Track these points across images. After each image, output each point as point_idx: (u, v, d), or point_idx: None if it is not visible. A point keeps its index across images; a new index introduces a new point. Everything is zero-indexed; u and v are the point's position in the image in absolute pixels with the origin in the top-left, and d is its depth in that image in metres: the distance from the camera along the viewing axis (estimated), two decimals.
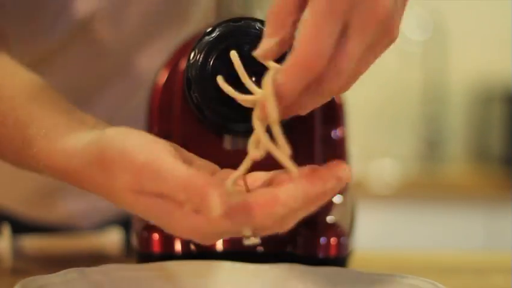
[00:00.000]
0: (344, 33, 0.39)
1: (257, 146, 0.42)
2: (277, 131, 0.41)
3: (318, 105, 0.43)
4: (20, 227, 0.75)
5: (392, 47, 0.44)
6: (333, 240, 0.51)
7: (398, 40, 0.43)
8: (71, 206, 0.79)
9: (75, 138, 0.44)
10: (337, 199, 0.55)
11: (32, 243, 0.67)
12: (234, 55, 0.43)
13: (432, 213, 2.01)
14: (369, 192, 1.96)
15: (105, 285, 0.47)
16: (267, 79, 0.40)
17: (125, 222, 0.76)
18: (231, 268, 0.49)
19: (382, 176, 2.03)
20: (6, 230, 0.67)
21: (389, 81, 2.31)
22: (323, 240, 0.51)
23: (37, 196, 0.77)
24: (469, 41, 2.31)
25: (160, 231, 0.51)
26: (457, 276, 0.67)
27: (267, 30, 0.40)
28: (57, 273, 0.46)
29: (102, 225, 0.80)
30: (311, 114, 0.54)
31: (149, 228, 0.52)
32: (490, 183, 2.01)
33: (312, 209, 0.40)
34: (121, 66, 0.72)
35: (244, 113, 0.45)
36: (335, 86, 0.41)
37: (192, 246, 0.52)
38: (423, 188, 2.01)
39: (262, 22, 0.46)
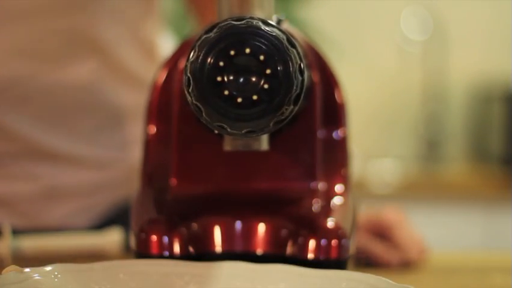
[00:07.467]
0: None
1: None
2: None
3: None
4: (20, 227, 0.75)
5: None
6: (334, 242, 0.51)
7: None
8: (59, 208, 0.79)
9: None
10: (338, 200, 0.55)
11: (32, 243, 0.67)
12: None
13: (432, 213, 2.01)
14: (369, 192, 1.96)
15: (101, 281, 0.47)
16: None
17: (125, 223, 0.76)
18: (229, 268, 0.49)
19: (382, 176, 2.03)
20: (6, 230, 0.67)
21: (389, 81, 2.31)
22: (323, 242, 0.51)
23: (28, 201, 0.77)
24: (469, 41, 2.31)
25: (159, 233, 0.51)
26: (456, 276, 0.67)
27: None
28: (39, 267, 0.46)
29: (92, 226, 0.80)
30: (312, 115, 0.54)
31: (147, 229, 0.52)
32: (489, 183, 2.01)
33: None
34: None
35: (243, 113, 0.45)
36: None
37: (191, 248, 0.52)
38: (423, 188, 2.01)
39: (262, 21, 0.46)
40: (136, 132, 0.78)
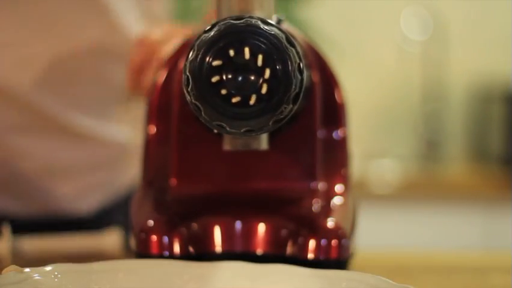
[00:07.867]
0: None
1: None
2: None
3: None
4: (20, 227, 0.75)
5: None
6: (334, 242, 0.51)
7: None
8: (59, 190, 0.78)
9: None
10: (338, 200, 0.55)
11: (32, 243, 0.67)
12: None
13: (432, 213, 2.01)
14: (369, 192, 1.96)
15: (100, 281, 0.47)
16: None
17: (125, 223, 0.76)
18: (229, 268, 0.49)
19: (382, 176, 2.03)
20: (6, 230, 0.67)
21: (389, 81, 2.31)
22: (323, 242, 0.51)
23: (25, 182, 0.77)
24: (469, 41, 2.31)
25: (159, 233, 0.51)
26: (456, 276, 0.67)
27: None
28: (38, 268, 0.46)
29: (93, 211, 0.80)
30: (312, 115, 0.54)
31: (148, 229, 0.52)
32: (489, 183, 2.01)
33: None
34: None
35: (242, 112, 0.45)
36: None
37: (191, 248, 0.52)
38: (423, 188, 2.01)
39: (261, 20, 0.46)
40: (136, 111, 0.77)
